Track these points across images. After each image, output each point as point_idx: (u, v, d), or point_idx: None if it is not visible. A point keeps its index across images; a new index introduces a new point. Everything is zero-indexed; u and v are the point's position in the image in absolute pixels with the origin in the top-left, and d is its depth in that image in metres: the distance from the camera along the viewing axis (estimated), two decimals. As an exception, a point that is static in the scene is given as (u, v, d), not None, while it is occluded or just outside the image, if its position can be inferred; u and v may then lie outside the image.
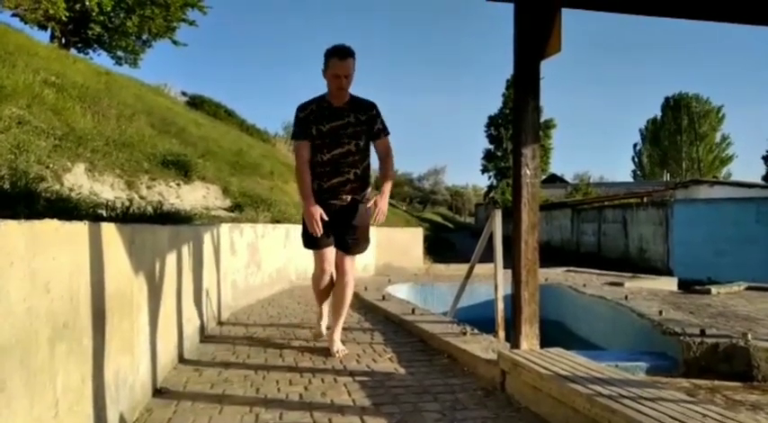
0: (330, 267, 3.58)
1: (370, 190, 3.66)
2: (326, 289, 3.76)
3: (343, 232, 3.49)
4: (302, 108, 3.47)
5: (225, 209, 7.54)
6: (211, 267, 4.41)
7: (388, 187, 3.48)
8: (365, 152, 3.51)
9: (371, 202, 3.44)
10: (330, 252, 3.54)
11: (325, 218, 3.37)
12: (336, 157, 3.44)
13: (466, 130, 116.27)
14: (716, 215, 13.44)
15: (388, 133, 3.55)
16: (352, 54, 3.32)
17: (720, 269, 11.66)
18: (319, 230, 3.35)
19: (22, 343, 1.40)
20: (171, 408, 2.61)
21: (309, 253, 3.65)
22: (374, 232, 9.97)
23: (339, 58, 3.30)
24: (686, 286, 7.69)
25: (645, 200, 18.50)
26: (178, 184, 7.05)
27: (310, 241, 3.52)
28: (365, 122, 3.46)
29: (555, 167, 42.51)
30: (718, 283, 7.70)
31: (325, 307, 3.98)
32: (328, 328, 3.85)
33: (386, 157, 3.53)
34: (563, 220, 20.74)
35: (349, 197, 3.49)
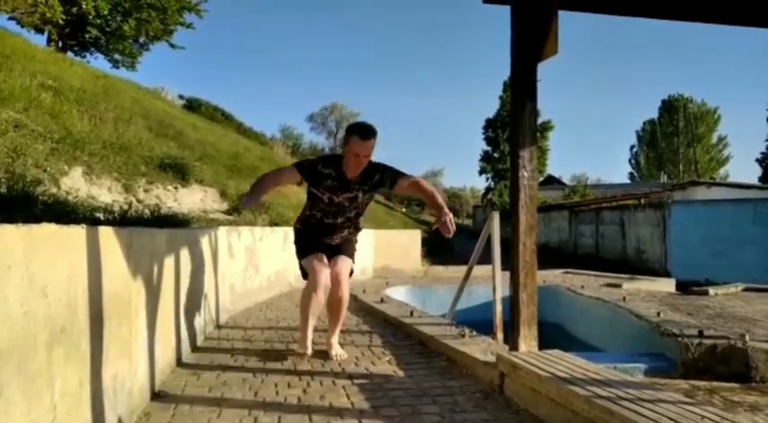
0: (325, 270, 3.50)
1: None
2: (317, 305, 3.54)
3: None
4: (325, 165, 3.48)
5: (222, 212, 7.54)
6: (209, 271, 4.40)
7: (442, 202, 3.36)
8: (363, 213, 3.72)
9: (440, 219, 3.21)
10: (324, 256, 3.58)
11: None
12: (338, 222, 3.61)
13: (463, 132, 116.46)
14: (713, 216, 13.45)
15: (404, 174, 3.51)
16: (374, 135, 3.38)
17: (718, 270, 11.67)
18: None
19: (20, 347, 1.40)
20: (169, 411, 2.61)
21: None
22: (372, 235, 9.96)
23: (361, 137, 3.34)
24: (684, 287, 7.71)
25: (642, 201, 18.49)
26: (176, 188, 7.04)
27: (307, 249, 3.61)
28: (373, 188, 3.55)
29: (552, 169, 42.51)
30: (715, 285, 7.71)
31: (311, 324, 3.66)
32: (324, 331, 3.84)
33: (431, 194, 3.42)
34: (561, 221, 20.74)
35: (341, 238, 3.70)
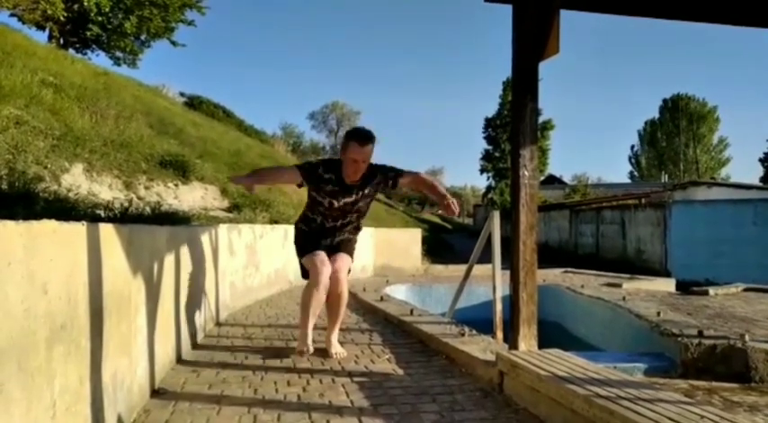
0: (327, 268, 3.50)
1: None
2: (318, 303, 3.52)
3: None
4: (326, 169, 3.52)
5: (223, 209, 7.54)
6: (210, 268, 4.40)
7: (443, 190, 3.61)
8: (365, 214, 3.75)
9: (443, 203, 3.47)
10: (324, 254, 3.59)
11: None
12: (339, 225, 3.64)
13: (464, 131, 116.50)
14: (714, 216, 13.44)
15: (403, 172, 3.62)
16: (371, 140, 3.43)
17: (718, 270, 11.66)
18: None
19: (20, 344, 1.40)
20: (169, 409, 2.61)
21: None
22: (372, 233, 9.95)
23: (359, 142, 3.38)
24: (684, 287, 7.71)
25: (643, 201, 18.48)
26: (176, 185, 7.05)
27: (307, 247, 3.62)
28: (374, 189, 3.60)
29: (553, 168, 42.52)
30: (716, 285, 7.71)
31: (312, 322, 3.62)
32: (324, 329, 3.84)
33: (431, 184, 3.66)
34: (561, 221, 20.72)
35: (341, 238, 3.73)
